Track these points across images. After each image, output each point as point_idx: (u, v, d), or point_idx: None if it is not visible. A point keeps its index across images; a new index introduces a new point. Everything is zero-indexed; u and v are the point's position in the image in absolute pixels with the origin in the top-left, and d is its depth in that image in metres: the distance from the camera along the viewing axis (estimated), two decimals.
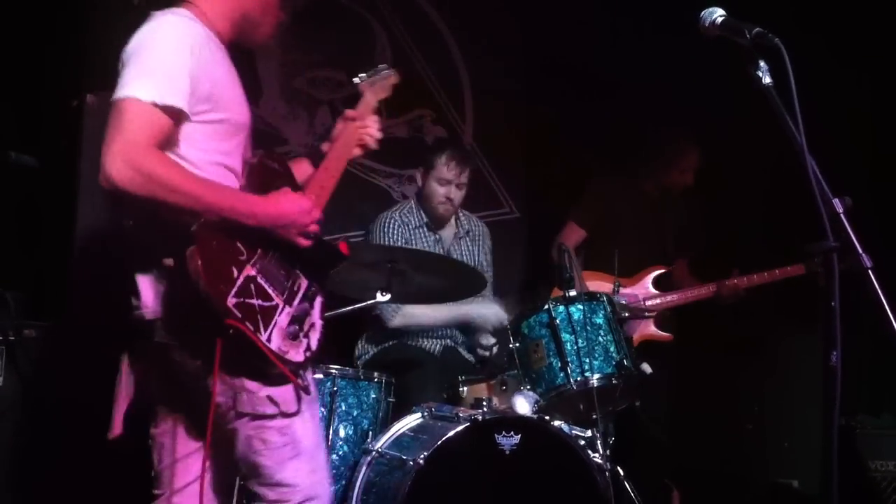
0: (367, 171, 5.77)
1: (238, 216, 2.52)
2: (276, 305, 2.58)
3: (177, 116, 2.49)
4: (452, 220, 4.95)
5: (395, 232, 4.77)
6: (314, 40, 5.63)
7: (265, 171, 2.77)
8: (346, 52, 5.71)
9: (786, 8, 5.13)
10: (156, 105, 2.42)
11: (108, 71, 2.62)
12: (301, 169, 3.11)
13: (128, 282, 2.59)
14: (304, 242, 2.67)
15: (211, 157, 2.61)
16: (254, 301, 2.50)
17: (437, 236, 4.87)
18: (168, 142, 2.50)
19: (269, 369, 2.54)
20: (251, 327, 2.46)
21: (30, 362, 3.86)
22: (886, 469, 4.85)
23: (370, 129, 3.20)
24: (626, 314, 4.33)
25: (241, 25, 2.78)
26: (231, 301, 2.43)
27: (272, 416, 2.54)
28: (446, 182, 4.72)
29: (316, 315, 2.75)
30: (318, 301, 2.78)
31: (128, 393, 2.71)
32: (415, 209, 4.88)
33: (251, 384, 2.54)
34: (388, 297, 3.74)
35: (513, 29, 6.09)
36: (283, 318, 2.58)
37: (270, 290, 2.57)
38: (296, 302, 2.66)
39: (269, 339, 2.51)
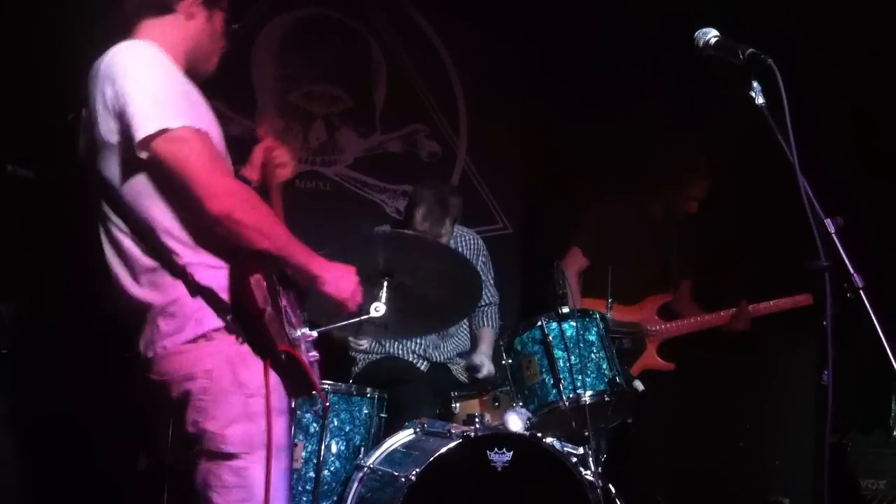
0: (361, 186, 5.79)
1: (309, 264, 2.63)
2: (299, 335, 2.66)
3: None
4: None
5: None
6: (310, 55, 5.65)
7: None
8: (341, 67, 5.74)
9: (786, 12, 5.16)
10: (195, 129, 2.47)
11: None
12: None
13: (131, 322, 2.60)
14: (349, 308, 2.75)
15: None
16: (291, 330, 2.59)
17: None
18: None
19: (306, 393, 2.67)
20: (299, 353, 2.56)
21: (25, 374, 3.85)
22: (878, 487, 4.84)
23: (283, 158, 3.10)
24: (623, 332, 4.33)
25: (192, 57, 2.75)
26: (287, 328, 2.53)
27: (229, 456, 2.51)
28: (422, 232, 4.67)
29: (313, 343, 2.81)
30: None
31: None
32: None
33: (217, 423, 2.52)
34: (382, 311, 3.72)
35: (508, 44, 6.11)
36: (302, 345, 2.66)
37: (294, 320, 2.65)
38: (304, 330, 2.71)
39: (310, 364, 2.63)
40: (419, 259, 3.87)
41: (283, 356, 2.48)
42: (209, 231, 2.49)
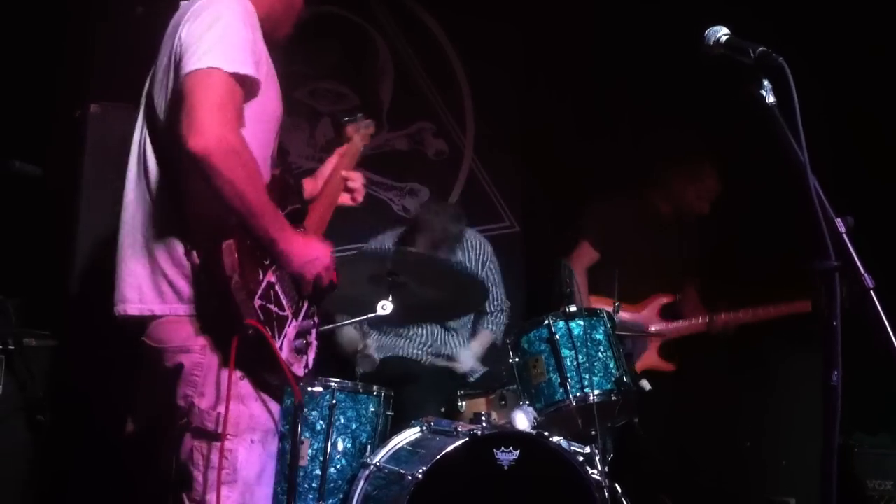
0: (368, 184, 5.74)
1: (278, 239, 2.52)
2: (287, 317, 2.58)
3: (250, 88, 2.49)
4: None
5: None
6: (316, 52, 5.65)
7: (285, 187, 2.76)
8: (348, 65, 5.74)
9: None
10: (236, 75, 2.41)
11: (112, 81, 2.61)
12: None
13: (125, 274, 2.58)
14: (308, 288, 2.66)
15: (251, 142, 2.53)
16: (272, 307, 2.50)
17: None
18: None
19: (276, 378, 2.55)
20: (269, 332, 2.46)
21: (29, 371, 3.85)
22: (884, 488, 4.85)
23: (356, 183, 3.20)
24: (628, 333, 4.32)
25: (264, 24, 2.72)
26: (257, 302, 2.42)
27: (217, 436, 2.48)
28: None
29: (314, 334, 2.74)
30: (316, 321, 2.79)
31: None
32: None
33: (207, 400, 2.51)
34: (389, 309, 3.74)
35: (515, 41, 6.11)
36: (291, 331, 2.58)
37: (284, 301, 2.57)
38: (301, 317, 2.66)
39: (280, 349, 2.51)
40: (424, 268, 3.90)
41: (249, 331, 2.39)
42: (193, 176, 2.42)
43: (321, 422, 3.92)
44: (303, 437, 3.82)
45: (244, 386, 2.51)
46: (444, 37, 6.03)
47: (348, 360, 4.51)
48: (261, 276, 2.48)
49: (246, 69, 2.44)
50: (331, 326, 3.65)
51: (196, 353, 2.50)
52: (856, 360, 2.41)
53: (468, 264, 4.98)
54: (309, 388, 3.88)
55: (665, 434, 5.18)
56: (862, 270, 2.28)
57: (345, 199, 3.21)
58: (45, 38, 4.47)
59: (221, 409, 2.48)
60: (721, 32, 2.53)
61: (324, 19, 5.64)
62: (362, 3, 5.83)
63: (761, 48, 2.41)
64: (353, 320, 4.02)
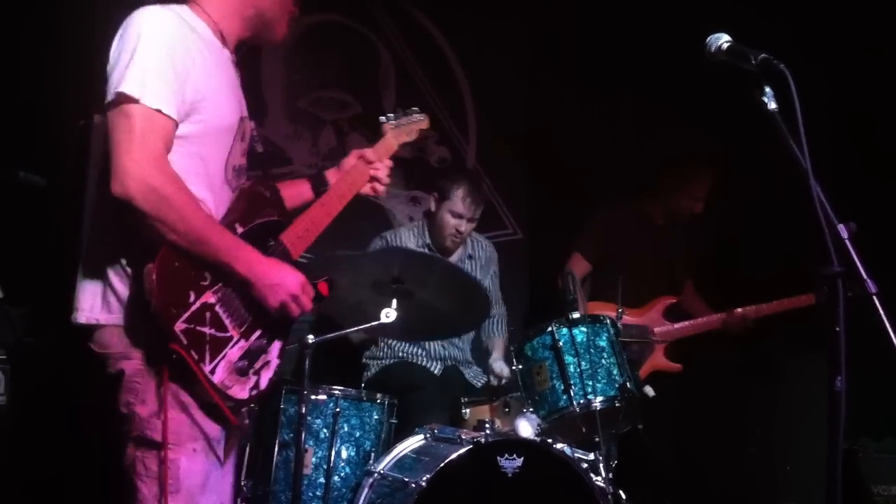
0: (370, 191, 5.78)
1: (233, 264, 2.48)
2: (230, 337, 2.51)
3: (174, 125, 2.44)
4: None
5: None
6: (319, 61, 5.67)
7: (254, 198, 2.71)
8: (350, 73, 5.75)
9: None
10: (161, 113, 2.38)
11: None
12: (299, 190, 3.10)
13: (79, 282, 2.59)
14: (274, 313, 2.58)
15: (181, 161, 2.49)
16: (205, 329, 2.43)
17: None
18: None
19: (207, 400, 2.49)
20: (195, 356, 2.39)
21: (34, 379, 3.85)
22: (889, 493, 4.84)
23: (381, 173, 3.14)
24: (632, 337, 4.31)
25: (255, 23, 2.71)
26: (179, 326, 2.37)
27: (158, 445, 2.45)
28: (458, 216, 4.71)
29: (273, 353, 2.66)
30: (265, 342, 2.66)
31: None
32: (420, 231, 4.88)
33: (148, 408, 2.46)
34: (393, 317, 3.73)
35: (518, 50, 6.12)
36: (233, 352, 2.51)
37: (227, 321, 2.50)
38: (253, 336, 2.58)
39: (212, 371, 2.44)
40: (430, 275, 3.89)
41: (173, 355, 2.36)
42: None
43: (325, 430, 3.92)
44: (306, 446, 3.82)
45: (186, 395, 2.47)
46: (445, 44, 6.04)
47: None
48: (192, 298, 2.42)
49: (160, 104, 2.38)
50: (331, 336, 3.64)
51: (136, 360, 2.47)
52: (861, 365, 2.41)
53: (477, 263, 4.97)
54: (312, 397, 3.88)
55: (670, 440, 5.18)
56: (864, 276, 2.28)
57: (367, 189, 3.16)
58: (49, 49, 4.48)
59: (162, 417, 2.44)
60: (722, 40, 2.53)
61: (326, 28, 5.66)
62: (364, 12, 5.84)
63: (763, 55, 2.41)
64: (355, 328, 4.01)
